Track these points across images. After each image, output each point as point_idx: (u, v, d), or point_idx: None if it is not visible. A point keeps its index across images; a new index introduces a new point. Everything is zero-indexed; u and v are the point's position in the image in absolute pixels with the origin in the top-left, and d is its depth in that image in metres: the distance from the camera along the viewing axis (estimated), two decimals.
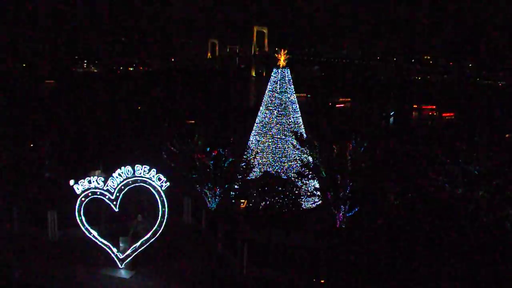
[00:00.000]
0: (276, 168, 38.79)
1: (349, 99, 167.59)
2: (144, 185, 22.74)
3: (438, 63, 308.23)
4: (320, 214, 36.66)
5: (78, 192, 22.51)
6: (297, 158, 37.08)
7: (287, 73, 41.16)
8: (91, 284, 22.60)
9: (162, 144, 38.51)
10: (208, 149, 35.80)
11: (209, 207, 35.33)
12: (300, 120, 41.40)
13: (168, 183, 22.75)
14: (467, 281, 24.91)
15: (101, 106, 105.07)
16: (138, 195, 24.90)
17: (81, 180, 22.56)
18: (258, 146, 39.98)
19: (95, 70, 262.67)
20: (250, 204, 35.04)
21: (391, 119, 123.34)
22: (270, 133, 39.98)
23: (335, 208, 33.25)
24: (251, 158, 37.61)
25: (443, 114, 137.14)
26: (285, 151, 39.48)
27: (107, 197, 22.72)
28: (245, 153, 38.34)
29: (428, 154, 32.96)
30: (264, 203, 34.57)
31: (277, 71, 41.13)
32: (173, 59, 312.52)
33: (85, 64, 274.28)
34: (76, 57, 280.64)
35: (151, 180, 22.58)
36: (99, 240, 23.27)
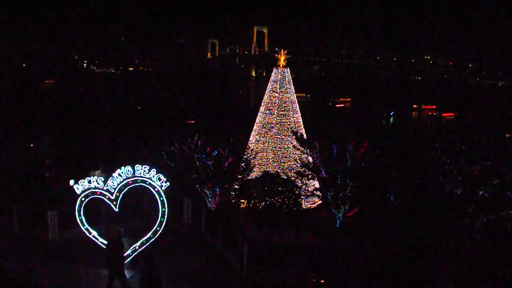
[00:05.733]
0: (276, 168, 38.80)
1: (349, 99, 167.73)
2: (144, 185, 22.71)
3: (438, 63, 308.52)
4: (320, 214, 36.67)
5: (78, 192, 22.47)
6: (297, 158, 37.11)
7: (287, 73, 41.19)
8: (91, 284, 22.59)
9: (162, 144, 38.56)
10: (208, 149, 35.85)
11: (209, 207, 35.33)
12: (300, 120, 41.41)
13: (168, 183, 22.73)
14: (468, 281, 24.89)
15: (101, 106, 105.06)
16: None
17: (81, 180, 22.52)
18: (258, 146, 39.99)
19: (96, 70, 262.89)
20: (250, 204, 35.05)
21: (391, 119, 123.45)
22: (270, 133, 39.99)
23: (335, 208, 33.26)
24: (251, 158, 37.64)
25: (443, 114, 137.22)
26: (285, 151, 39.50)
27: (107, 197, 22.69)
28: (245, 153, 38.37)
29: (428, 154, 32.94)
30: (264, 203, 34.59)
31: (277, 71, 41.15)
32: (173, 59, 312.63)
33: (85, 64, 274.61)
34: (76, 56, 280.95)
35: (151, 180, 22.56)
36: (99, 240, 23.24)
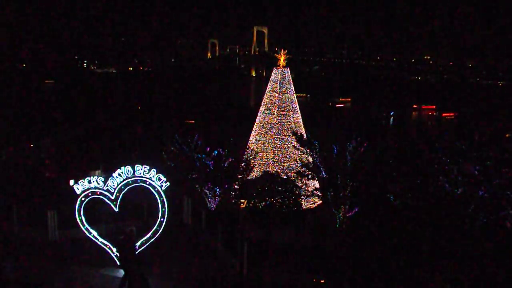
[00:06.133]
0: (276, 168, 38.80)
1: (349, 99, 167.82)
2: (144, 185, 22.70)
3: (438, 63, 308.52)
4: (320, 214, 36.66)
5: (78, 192, 22.45)
6: (297, 158, 37.11)
7: (287, 73, 41.18)
8: (91, 284, 22.59)
9: (162, 144, 38.60)
10: (208, 149, 35.87)
11: (209, 207, 35.33)
12: (300, 120, 41.43)
13: (168, 183, 22.72)
14: (467, 281, 24.90)
15: (102, 106, 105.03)
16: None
17: (81, 180, 22.49)
18: (258, 146, 39.99)
19: (96, 70, 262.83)
20: (250, 204, 35.05)
21: (391, 119, 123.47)
22: (270, 133, 40.00)
23: (335, 208, 33.25)
24: (251, 158, 37.64)
25: (443, 114, 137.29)
26: (285, 151, 39.51)
27: (107, 197, 22.68)
28: (245, 153, 38.37)
29: (429, 154, 32.93)
30: (264, 203, 34.60)
31: (277, 71, 41.13)
32: (173, 59, 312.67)
33: (85, 64, 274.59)
34: (76, 57, 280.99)
35: (151, 180, 22.55)
36: (99, 240, 23.24)
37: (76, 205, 22.79)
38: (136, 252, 22.66)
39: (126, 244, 20.61)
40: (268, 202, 34.29)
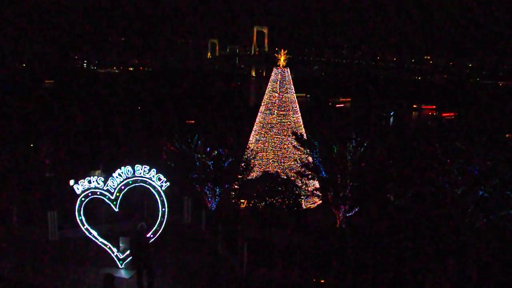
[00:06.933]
0: (276, 168, 38.81)
1: (349, 99, 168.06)
2: (144, 185, 22.70)
3: (438, 63, 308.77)
4: (320, 214, 36.66)
5: (78, 192, 22.44)
6: (297, 158, 37.14)
7: (287, 73, 41.20)
8: (91, 284, 22.58)
9: (162, 144, 38.63)
10: (208, 149, 35.88)
11: (209, 207, 35.34)
12: (300, 120, 41.45)
13: (168, 183, 22.71)
14: (467, 282, 24.88)
15: (102, 106, 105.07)
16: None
17: (81, 180, 22.48)
18: (258, 146, 40.00)
19: (96, 70, 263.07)
20: (250, 204, 35.05)
21: (391, 119, 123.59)
22: (270, 133, 40.03)
23: (335, 208, 33.26)
24: (251, 158, 37.65)
25: (443, 114, 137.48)
26: (285, 151, 39.53)
27: (107, 197, 22.67)
28: (245, 153, 38.40)
29: (428, 154, 32.92)
30: (264, 203, 34.61)
31: (277, 71, 41.14)
32: (173, 59, 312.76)
33: (85, 64, 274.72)
34: (76, 56, 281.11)
35: (151, 180, 22.54)
36: (99, 240, 23.24)
37: (76, 205, 22.81)
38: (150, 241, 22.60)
39: (138, 241, 20.57)
40: (268, 202, 34.27)
